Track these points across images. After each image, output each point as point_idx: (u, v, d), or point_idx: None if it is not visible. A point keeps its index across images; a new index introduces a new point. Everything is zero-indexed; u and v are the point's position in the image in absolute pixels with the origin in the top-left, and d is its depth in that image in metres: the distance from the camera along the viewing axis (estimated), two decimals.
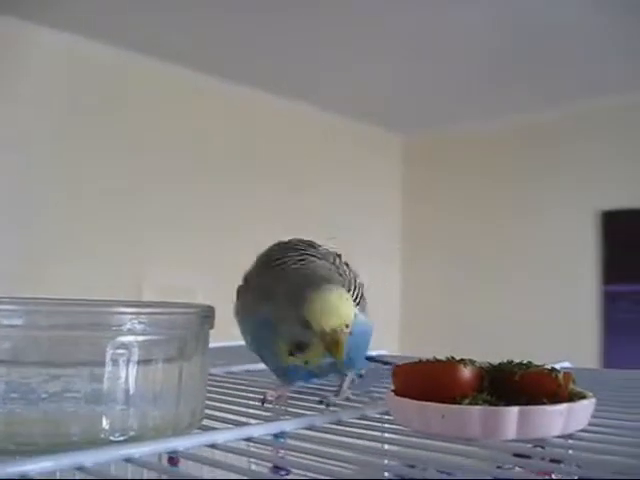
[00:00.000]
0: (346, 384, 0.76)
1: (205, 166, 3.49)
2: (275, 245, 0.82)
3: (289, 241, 0.81)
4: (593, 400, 0.55)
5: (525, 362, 0.57)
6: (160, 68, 3.31)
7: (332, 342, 0.65)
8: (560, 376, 0.54)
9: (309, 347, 0.68)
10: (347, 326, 0.66)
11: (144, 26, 2.96)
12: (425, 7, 2.78)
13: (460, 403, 0.53)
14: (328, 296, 0.67)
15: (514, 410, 0.51)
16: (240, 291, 0.80)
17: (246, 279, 0.81)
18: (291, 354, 0.69)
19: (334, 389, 0.78)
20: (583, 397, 0.55)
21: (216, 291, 3.28)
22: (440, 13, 2.83)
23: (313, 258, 0.75)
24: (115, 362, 0.50)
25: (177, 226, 3.31)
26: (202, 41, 3.12)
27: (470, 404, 0.52)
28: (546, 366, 0.57)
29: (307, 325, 0.66)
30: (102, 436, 0.49)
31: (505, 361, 0.58)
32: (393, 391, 0.59)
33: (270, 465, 0.76)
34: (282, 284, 0.71)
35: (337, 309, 0.66)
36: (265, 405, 0.71)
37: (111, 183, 3.11)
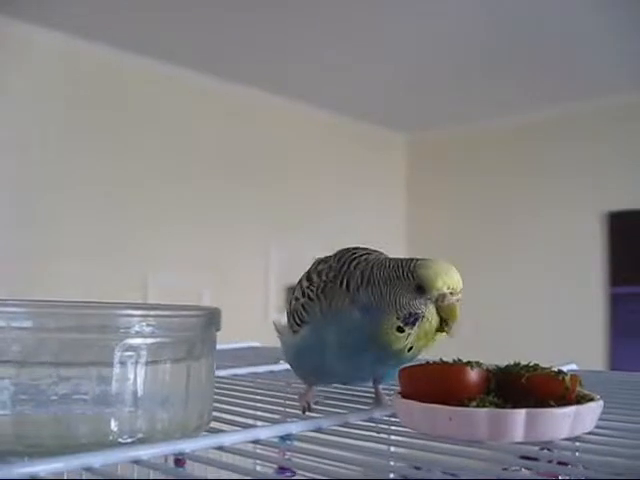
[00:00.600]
0: (381, 387, 0.76)
1: (212, 168, 3.49)
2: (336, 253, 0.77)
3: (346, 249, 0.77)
4: (600, 403, 0.55)
5: (532, 364, 0.57)
6: (157, 67, 3.32)
7: (448, 308, 0.64)
8: (567, 379, 0.54)
9: (422, 318, 0.64)
10: (460, 292, 0.65)
11: (138, 25, 2.96)
12: (427, 8, 2.78)
13: (467, 405, 0.53)
14: (440, 261, 0.66)
15: (521, 412, 0.51)
16: (311, 297, 0.73)
17: (312, 287, 0.74)
18: (400, 330, 0.64)
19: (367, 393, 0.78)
20: (590, 399, 0.55)
21: (222, 293, 3.32)
22: (442, 14, 2.83)
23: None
24: (123, 364, 0.50)
25: (183, 228, 3.32)
26: (199, 41, 3.13)
27: (477, 406, 0.52)
28: (553, 368, 0.57)
29: (421, 290, 0.64)
30: (110, 438, 0.50)
31: (512, 363, 0.58)
32: (400, 393, 0.59)
33: (276, 467, 0.76)
34: (379, 269, 0.68)
35: (451, 270, 0.65)
36: (306, 413, 0.70)
37: (117, 184, 3.12)
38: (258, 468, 0.82)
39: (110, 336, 0.50)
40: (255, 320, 3.32)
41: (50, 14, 2.82)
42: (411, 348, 0.66)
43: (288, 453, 0.67)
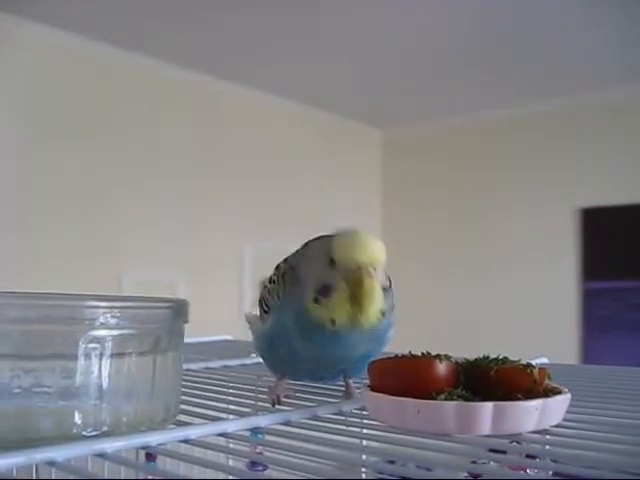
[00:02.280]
0: (351, 381, 0.75)
1: (186, 161, 3.47)
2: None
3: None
4: (568, 395, 0.56)
5: (501, 358, 0.57)
6: (144, 65, 3.29)
7: (357, 283, 0.61)
8: (535, 372, 0.54)
9: (334, 291, 0.62)
10: (375, 269, 0.61)
11: (130, 22, 2.94)
12: (405, 3, 2.78)
13: (435, 399, 0.53)
14: (357, 233, 0.64)
15: (489, 405, 0.51)
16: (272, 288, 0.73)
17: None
18: (316, 301, 0.63)
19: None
20: (558, 392, 0.55)
21: (196, 287, 3.30)
22: (420, 9, 2.83)
23: None
24: (88, 356, 0.49)
25: (156, 223, 3.30)
26: (188, 38, 3.10)
27: (445, 399, 0.52)
28: (522, 362, 0.57)
29: (332, 264, 0.63)
30: (74, 431, 0.49)
31: (481, 357, 0.58)
32: (369, 386, 0.59)
33: (247, 461, 0.76)
34: (305, 248, 0.70)
35: (366, 244, 0.62)
36: (276, 406, 0.69)
37: (92, 178, 3.09)
38: (230, 462, 0.82)
39: (74, 328, 0.49)
40: (229, 314, 3.30)
41: (38, 8, 2.78)
42: (334, 321, 0.63)
43: (259, 447, 0.67)
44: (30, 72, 2.95)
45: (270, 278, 0.74)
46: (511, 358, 0.58)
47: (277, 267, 0.75)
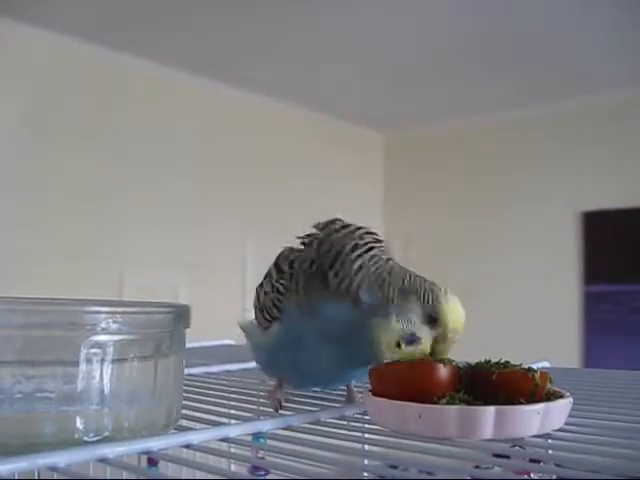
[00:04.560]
0: (353, 386, 0.75)
1: (188, 165, 3.48)
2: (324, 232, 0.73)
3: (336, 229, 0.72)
4: (570, 399, 0.56)
5: (502, 362, 0.57)
6: (145, 68, 3.30)
7: (443, 347, 0.64)
8: (537, 376, 0.54)
9: (417, 344, 0.64)
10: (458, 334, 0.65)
11: (131, 26, 2.95)
12: (407, 7, 2.78)
13: (437, 403, 0.52)
14: (457, 301, 0.66)
15: (491, 410, 0.51)
16: (286, 285, 0.69)
17: (283, 272, 0.71)
18: (398, 345, 0.63)
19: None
20: (560, 396, 0.55)
21: (198, 291, 3.30)
22: (421, 13, 2.83)
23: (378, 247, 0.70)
24: (89, 361, 0.49)
25: (159, 226, 3.30)
26: (188, 41, 3.11)
27: (447, 404, 0.52)
28: (524, 366, 0.56)
29: (431, 320, 0.64)
30: (76, 436, 0.49)
31: (482, 361, 0.58)
32: (370, 391, 0.59)
33: (249, 466, 0.75)
34: (395, 277, 0.65)
35: (462, 313, 0.65)
36: (279, 411, 0.69)
37: (93, 181, 3.09)
38: (232, 467, 0.82)
39: (76, 333, 0.49)
40: (232, 318, 3.29)
41: (36, 12, 2.79)
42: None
43: (261, 452, 0.67)
44: (30, 75, 2.95)
45: (272, 284, 0.71)
46: (513, 362, 0.58)
47: (279, 269, 0.71)
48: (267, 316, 0.71)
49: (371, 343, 0.64)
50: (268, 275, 0.73)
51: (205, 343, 1.33)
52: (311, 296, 0.67)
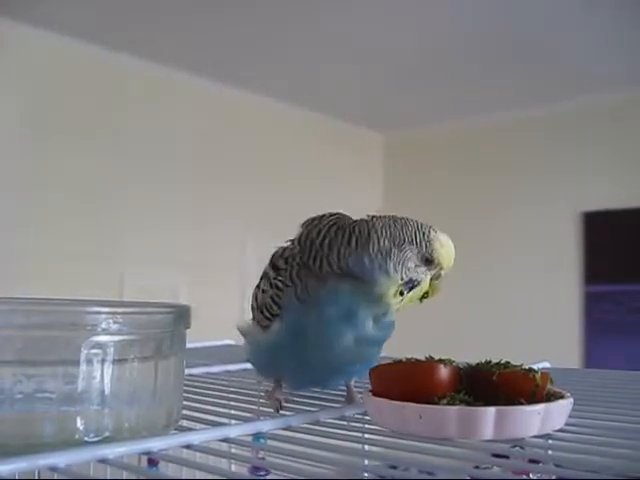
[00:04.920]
0: (353, 386, 0.75)
1: (187, 166, 3.48)
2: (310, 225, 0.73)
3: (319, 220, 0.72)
4: (570, 400, 0.56)
5: (503, 362, 0.57)
6: (144, 68, 3.30)
7: (438, 284, 0.68)
8: (538, 376, 0.54)
9: (418, 286, 0.67)
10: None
11: (130, 26, 2.95)
12: (407, 7, 2.78)
13: (438, 403, 0.52)
14: (448, 237, 0.69)
15: (491, 410, 0.51)
16: (291, 270, 0.69)
17: (286, 258, 0.71)
18: (401, 293, 0.65)
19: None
20: (561, 397, 0.55)
21: (198, 291, 3.30)
22: (422, 13, 2.83)
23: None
24: (90, 362, 0.49)
25: (159, 226, 3.30)
26: (188, 41, 3.11)
27: (448, 404, 0.52)
28: (524, 366, 0.57)
29: (428, 262, 0.66)
30: (77, 437, 0.49)
31: (483, 361, 0.58)
32: (370, 391, 0.59)
33: (249, 465, 0.75)
34: (383, 229, 0.66)
35: (453, 253, 0.68)
36: (280, 412, 0.68)
37: (93, 181, 3.09)
38: (233, 468, 0.82)
39: (76, 333, 0.49)
40: (232, 318, 3.29)
41: (37, 13, 2.79)
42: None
43: (262, 452, 0.67)
44: (30, 75, 2.95)
45: (270, 281, 0.70)
46: (513, 362, 0.58)
47: (275, 267, 0.71)
48: (267, 314, 0.70)
49: (372, 305, 0.65)
50: (265, 275, 0.73)
51: (205, 343, 1.33)
52: (307, 287, 0.67)
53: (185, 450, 0.54)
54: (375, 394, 0.57)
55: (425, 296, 0.69)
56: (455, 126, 4.27)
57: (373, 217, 0.68)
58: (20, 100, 2.91)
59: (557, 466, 0.49)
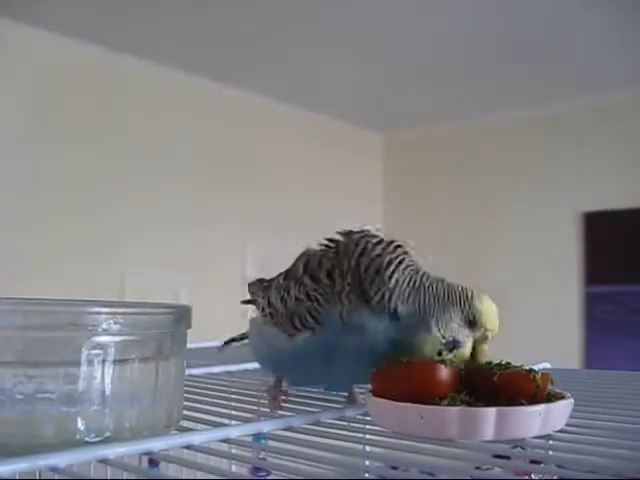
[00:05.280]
0: (355, 387, 0.75)
1: (188, 167, 3.48)
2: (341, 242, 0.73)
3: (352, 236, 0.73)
4: (571, 400, 0.56)
5: (503, 363, 0.57)
6: (145, 68, 3.30)
7: (483, 349, 0.66)
8: (538, 377, 0.54)
9: (459, 348, 0.66)
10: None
11: (131, 26, 2.95)
12: (407, 7, 2.78)
13: (439, 404, 0.52)
14: (491, 301, 0.68)
15: (492, 411, 0.51)
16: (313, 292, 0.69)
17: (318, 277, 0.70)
18: (439, 353, 0.65)
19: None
20: (561, 397, 0.55)
21: (199, 291, 3.30)
22: (422, 13, 2.83)
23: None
24: (90, 362, 0.49)
25: (159, 226, 3.30)
26: (188, 41, 3.11)
27: (449, 405, 0.52)
28: (525, 367, 0.57)
29: (471, 324, 0.66)
30: (77, 437, 0.49)
31: (483, 362, 0.58)
32: (371, 392, 0.59)
33: (250, 466, 0.75)
34: (430, 287, 0.67)
35: (497, 316, 0.67)
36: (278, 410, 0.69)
37: (95, 184, 3.09)
38: (233, 468, 0.82)
39: (77, 334, 0.49)
40: (232, 318, 3.29)
41: (37, 14, 2.79)
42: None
43: (262, 453, 0.67)
44: (30, 75, 2.95)
45: (307, 293, 0.69)
46: (513, 362, 0.58)
47: (314, 278, 0.70)
48: (298, 324, 0.69)
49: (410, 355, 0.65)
50: (298, 281, 0.71)
51: (206, 344, 1.33)
52: (355, 313, 0.67)
53: (185, 450, 0.54)
54: (376, 395, 0.57)
55: (472, 359, 0.67)
56: (455, 126, 4.27)
57: (421, 271, 0.69)
58: (20, 100, 2.91)
59: (558, 467, 0.49)
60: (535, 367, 0.58)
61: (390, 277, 0.67)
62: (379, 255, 0.69)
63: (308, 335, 0.69)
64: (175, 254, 3.34)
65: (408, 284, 0.67)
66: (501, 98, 3.87)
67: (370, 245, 0.70)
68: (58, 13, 2.79)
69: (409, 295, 0.66)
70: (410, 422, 0.53)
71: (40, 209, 2.93)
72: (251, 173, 3.76)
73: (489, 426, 0.51)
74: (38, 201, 2.93)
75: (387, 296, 0.66)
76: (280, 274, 0.77)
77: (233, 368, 1.03)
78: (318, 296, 0.68)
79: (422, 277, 0.68)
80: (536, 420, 0.52)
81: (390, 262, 0.68)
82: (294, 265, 0.74)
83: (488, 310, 0.66)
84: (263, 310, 0.76)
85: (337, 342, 0.67)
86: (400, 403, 0.54)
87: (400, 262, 0.69)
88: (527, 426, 0.52)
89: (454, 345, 0.65)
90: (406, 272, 0.68)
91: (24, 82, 2.94)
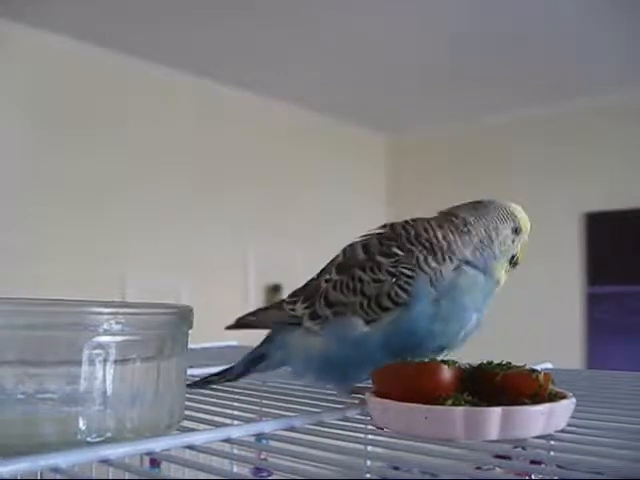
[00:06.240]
0: None
1: (190, 168, 3.48)
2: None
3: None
4: (573, 400, 0.56)
5: (504, 363, 0.57)
6: (146, 69, 3.30)
7: (524, 248, 0.74)
8: (540, 377, 0.54)
9: (516, 257, 0.74)
10: None
11: (131, 27, 2.95)
12: (409, 7, 2.78)
13: (443, 404, 0.52)
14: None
15: (497, 410, 0.51)
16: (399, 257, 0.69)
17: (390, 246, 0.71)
18: (507, 272, 0.73)
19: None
20: (563, 397, 0.55)
21: (200, 292, 3.30)
22: (424, 13, 2.83)
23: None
24: (92, 362, 0.49)
25: (161, 227, 3.30)
26: (190, 42, 3.11)
27: (453, 405, 0.52)
28: (526, 367, 0.57)
29: (517, 232, 0.72)
30: (79, 437, 0.49)
31: (485, 362, 0.58)
32: (373, 392, 0.59)
33: (252, 467, 0.75)
34: (481, 217, 0.72)
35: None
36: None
37: (96, 185, 3.09)
38: (235, 469, 0.82)
39: (78, 334, 0.49)
40: (234, 319, 3.31)
41: (38, 14, 2.79)
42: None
43: (264, 453, 0.66)
44: (30, 75, 2.95)
45: (391, 272, 0.68)
46: (515, 363, 0.58)
47: (391, 255, 0.69)
48: (388, 303, 0.68)
49: (488, 290, 0.72)
50: (366, 264, 0.70)
51: (208, 344, 1.33)
52: (442, 275, 0.68)
53: (188, 451, 0.54)
54: (378, 395, 0.57)
55: (516, 263, 0.74)
56: (456, 127, 4.27)
57: (453, 211, 0.74)
58: (20, 100, 2.91)
59: (559, 467, 0.49)
60: (537, 367, 0.58)
61: (435, 233, 0.70)
62: (417, 224, 0.73)
63: (398, 313, 0.67)
64: (177, 255, 3.34)
65: (457, 230, 0.71)
66: (501, 98, 3.86)
67: (411, 221, 0.74)
68: (58, 13, 2.80)
69: (469, 239, 0.70)
70: (415, 423, 0.53)
71: (41, 209, 2.93)
72: (252, 174, 3.76)
73: (494, 426, 0.51)
74: (39, 201, 2.93)
75: (452, 250, 0.69)
76: (315, 277, 0.77)
77: None
78: (403, 269, 0.68)
79: (464, 216, 0.72)
80: (540, 420, 0.52)
81: (440, 224, 0.72)
82: (349, 255, 0.74)
83: (524, 215, 0.73)
84: (316, 318, 0.72)
85: (432, 309, 0.67)
86: (404, 404, 0.53)
87: (438, 223, 0.72)
88: (531, 426, 0.52)
89: (514, 258, 0.72)
90: (450, 224, 0.72)
91: (24, 82, 2.94)
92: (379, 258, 0.70)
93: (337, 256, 0.76)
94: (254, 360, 0.82)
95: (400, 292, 0.67)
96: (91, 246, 3.04)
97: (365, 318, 0.68)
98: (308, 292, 0.75)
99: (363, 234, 0.76)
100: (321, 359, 0.72)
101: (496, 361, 0.58)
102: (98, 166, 3.11)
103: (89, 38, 3.03)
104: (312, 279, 0.77)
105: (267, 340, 0.81)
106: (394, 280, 0.67)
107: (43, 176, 2.95)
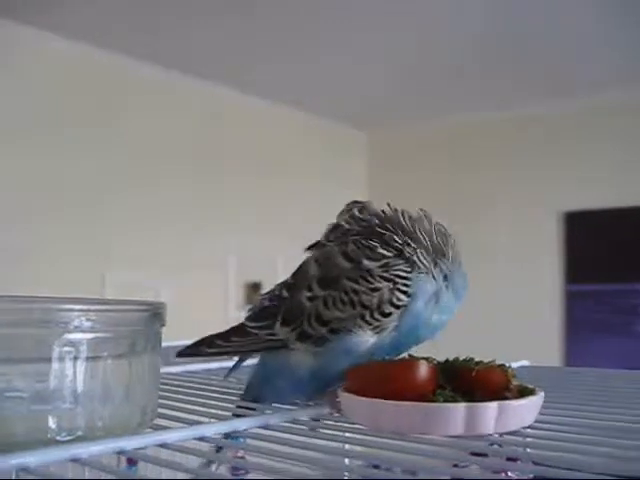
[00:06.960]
0: None
1: (170, 165, 3.46)
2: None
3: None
4: (541, 394, 0.57)
5: (468, 359, 0.58)
6: (142, 70, 3.30)
7: None
8: (510, 371, 0.55)
9: None
10: None
11: (131, 29, 2.95)
12: (396, 5, 2.77)
13: (434, 401, 0.53)
14: None
15: (494, 405, 0.53)
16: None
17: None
18: None
19: None
20: (531, 391, 0.56)
21: (180, 290, 3.28)
22: (409, 11, 2.82)
23: None
24: (62, 360, 0.48)
25: (140, 225, 3.28)
26: (187, 44, 3.11)
27: (446, 401, 0.53)
28: (494, 362, 0.57)
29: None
30: (48, 436, 0.48)
31: (452, 358, 0.58)
32: (346, 390, 0.58)
33: (228, 465, 0.75)
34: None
35: None
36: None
37: (76, 181, 3.07)
38: (212, 468, 0.81)
39: (48, 331, 0.48)
40: (214, 317, 3.29)
41: (43, 17, 2.78)
42: None
43: (241, 451, 0.66)
44: (30, 77, 2.94)
45: (387, 277, 0.65)
46: (474, 357, 0.59)
47: (380, 257, 0.66)
48: (390, 309, 0.64)
49: None
50: (356, 274, 0.66)
51: (187, 342, 1.32)
52: (442, 271, 0.71)
53: (164, 450, 0.53)
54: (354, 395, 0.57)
55: None
56: (439, 125, 4.28)
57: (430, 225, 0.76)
58: (19, 101, 2.89)
59: (535, 464, 0.49)
60: (513, 365, 0.58)
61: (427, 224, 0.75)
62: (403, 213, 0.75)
63: (400, 314, 0.64)
64: (156, 253, 3.32)
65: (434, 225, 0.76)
66: (483, 99, 3.88)
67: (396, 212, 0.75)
68: (59, 15, 2.78)
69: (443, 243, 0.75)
70: (412, 421, 0.53)
71: (21, 207, 2.90)
72: (233, 172, 3.75)
73: (491, 421, 0.53)
74: (20, 200, 2.90)
75: (445, 254, 0.74)
76: (279, 294, 0.70)
77: (212, 366, 1.02)
78: (398, 272, 0.65)
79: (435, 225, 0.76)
80: (530, 412, 0.55)
81: (414, 220, 0.74)
82: (329, 267, 0.68)
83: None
84: (306, 338, 0.66)
85: (432, 303, 0.67)
86: (400, 402, 0.53)
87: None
88: (521, 418, 0.55)
89: None
90: (441, 235, 0.78)
91: (24, 83, 2.92)
92: (367, 263, 0.65)
93: (302, 270, 0.70)
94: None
95: (401, 295, 0.64)
96: (69, 245, 3.02)
97: (369, 329, 0.64)
98: (287, 313, 0.68)
99: (326, 229, 0.75)
100: (317, 377, 0.67)
101: (460, 357, 0.59)
102: (81, 165, 3.09)
103: (89, 40, 3.02)
104: (275, 296, 0.71)
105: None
106: (392, 286, 0.64)
107: (24, 174, 2.92)
